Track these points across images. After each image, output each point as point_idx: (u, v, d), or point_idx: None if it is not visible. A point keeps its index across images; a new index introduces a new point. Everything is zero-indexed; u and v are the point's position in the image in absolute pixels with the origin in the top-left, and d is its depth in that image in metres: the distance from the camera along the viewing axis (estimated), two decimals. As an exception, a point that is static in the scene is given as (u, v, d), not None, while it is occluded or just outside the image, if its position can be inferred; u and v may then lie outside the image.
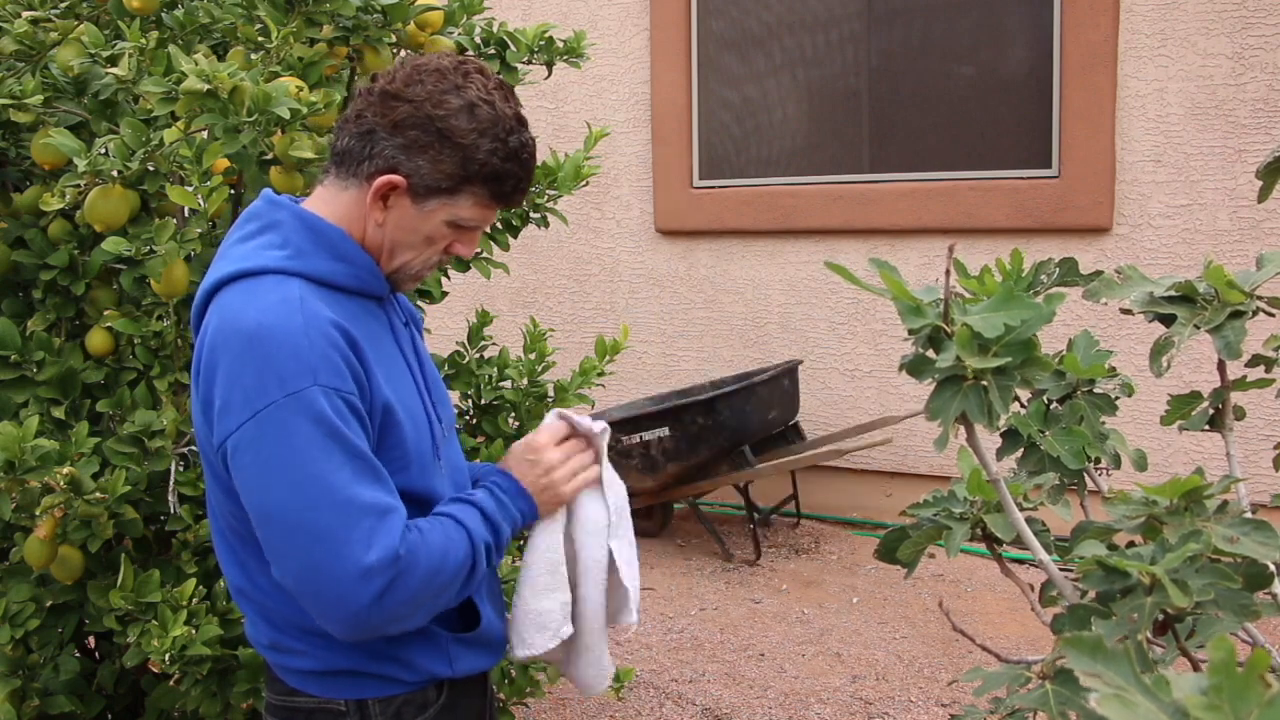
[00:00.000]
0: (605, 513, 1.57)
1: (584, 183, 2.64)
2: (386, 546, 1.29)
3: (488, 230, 2.33)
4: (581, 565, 1.56)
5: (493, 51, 2.61)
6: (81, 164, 1.99)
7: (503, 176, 1.40)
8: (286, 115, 1.92)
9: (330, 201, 1.43)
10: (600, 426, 1.58)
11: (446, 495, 1.50)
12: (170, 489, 2.12)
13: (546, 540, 1.55)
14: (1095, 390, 1.37)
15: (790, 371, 4.86)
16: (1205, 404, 1.38)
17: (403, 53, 2.53)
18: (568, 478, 1.53)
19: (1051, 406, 1.36)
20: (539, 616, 1.54)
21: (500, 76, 1.44)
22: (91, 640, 2.47)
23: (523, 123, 1.42)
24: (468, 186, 1.39)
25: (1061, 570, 1.14)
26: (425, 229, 1.41)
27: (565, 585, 1.55)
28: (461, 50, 2.51)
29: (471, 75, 1.39)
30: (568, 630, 1.55)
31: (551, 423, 1.57)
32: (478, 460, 2.47)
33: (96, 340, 2.19)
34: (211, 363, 1.33)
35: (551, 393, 2.76)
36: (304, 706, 1.46)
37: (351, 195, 1.41)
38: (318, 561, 1.27)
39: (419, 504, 1.44)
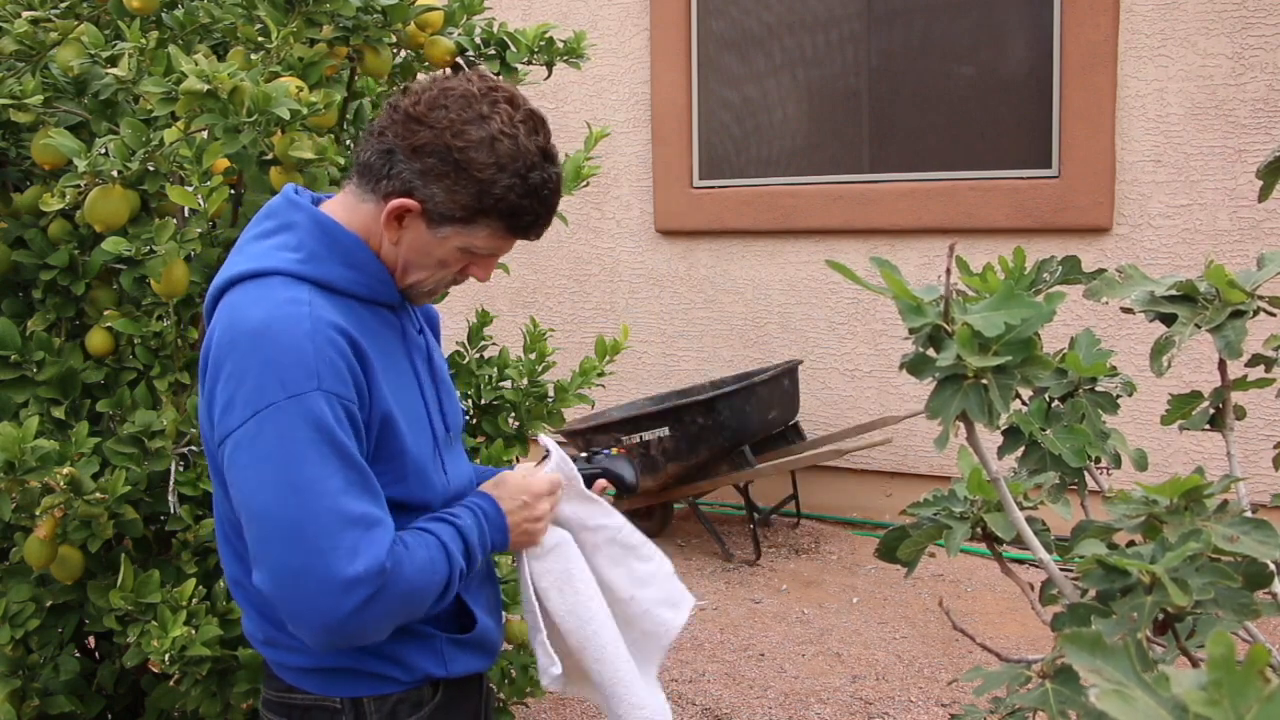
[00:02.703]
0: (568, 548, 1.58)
1: (584, 183, 2.64)
2: (373, 558, 1.28)
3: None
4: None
5: (493, 52, 2.60)
6: (81, 164, 1.99)
7: (519, 212, 1.38)
8: (286, 115, 1.92)
9: (351, 209, 1.43)
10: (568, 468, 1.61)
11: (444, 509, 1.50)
12: (170, 489, 2.12)
13: (524, 580, 1.57)
14: (1097, 389, 1.37)
15: (790, 371, 4.86)
16: (1205, 404, 1.38)
17: (403, 53, 2.52)
18: (545, 530, 1.55)
19: (1053, 405, 1.36)
20: (540, 648, 1.57)
21: (532, 107, 1.41)
22: (91, 640, 2.47)
23: (548, 157, 1.40)
24: (483, 218, 1.38)
25: (1061, 569, 1.14)
26: (438, 253, 1.41)
27: (541, 624, 1.57)
28: (461, 51, 2.51)
29: (499, 105, 1.37)
30: (553, 664, 1.56)
31: (555, 475, 1.57)
32: (477, 461, 2.47)
33: (96, 340, 2.19)
34: (218, 361, 1.33)
35: (551, 393, 2.76)
36: (300, 703, 1.47)
37: (369, 209, 1.41)
38: (299, 567, 1.26)
39: (416, 514, 1.44)
